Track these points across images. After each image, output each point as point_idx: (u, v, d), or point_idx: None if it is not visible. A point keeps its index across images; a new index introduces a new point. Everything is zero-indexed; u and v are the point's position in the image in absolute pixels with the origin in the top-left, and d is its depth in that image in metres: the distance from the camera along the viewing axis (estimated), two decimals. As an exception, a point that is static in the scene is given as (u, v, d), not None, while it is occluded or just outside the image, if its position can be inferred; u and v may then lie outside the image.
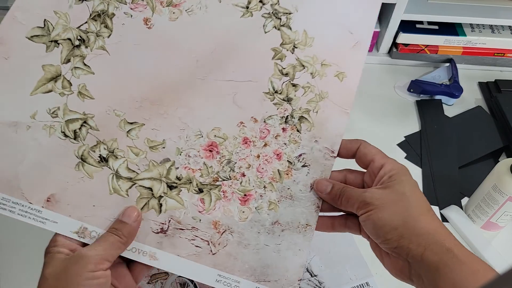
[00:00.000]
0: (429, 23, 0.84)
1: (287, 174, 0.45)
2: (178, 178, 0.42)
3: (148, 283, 0.56)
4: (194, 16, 0.45)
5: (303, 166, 0.45)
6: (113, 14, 0.43)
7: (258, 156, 0.45)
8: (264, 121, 0.45)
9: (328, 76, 0.47)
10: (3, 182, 0.39)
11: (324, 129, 0.46)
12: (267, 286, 0.42)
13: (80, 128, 0.40)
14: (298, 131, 0.46)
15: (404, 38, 0.83)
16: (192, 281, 0.54)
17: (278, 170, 0.45)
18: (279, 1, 0.47)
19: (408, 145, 0.74)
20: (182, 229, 0.42)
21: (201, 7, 0.46)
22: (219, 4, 0.46)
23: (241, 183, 0.44)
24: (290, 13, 0.47)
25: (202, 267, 0.42)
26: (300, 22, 0.47)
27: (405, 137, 0.75)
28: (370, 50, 0.85)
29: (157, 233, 0.41)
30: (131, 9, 0.44)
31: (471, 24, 0.85)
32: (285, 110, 0.46)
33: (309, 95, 0.46)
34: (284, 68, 0.46)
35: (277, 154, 0.45)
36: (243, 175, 0.44)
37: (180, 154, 0.43)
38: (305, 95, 0.46)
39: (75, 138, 0.40)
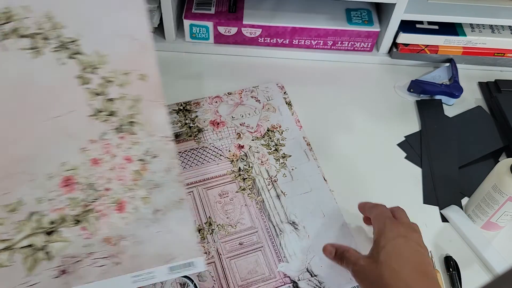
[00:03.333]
0: (429, 23, 0.83)
1: (143, 170, 0.48)
2: (52, 222, 0.45)
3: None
4: None
5: (153, 157, 0.49)
6: None
7: (113, 168, 0.47)
8: (102, 138, 0.48)
9: (134, 82, 0.51)
10: None
11: (153, 123, 0.50)
12: (178, 261, 0.46)
13: None
14: (134, 133, 0.49)
15: (404, 38, 0.81)
16: (192, 281, 0.54)
17: (134, 170, 0.47)
18: (63, 33, 0.49)
19: (408, 145, 0.72)
20: (80, 260, 0.45)
21: None
22: (6, 54, 0.47)
23: (108, 196, 0.46)
24: (76, 40, 0.49)
25: (115, 279, 0.45)
26: (90, 45, 0.50)
27: (405, 137, 0.73)
28: (370, 50, 0.82)
29: (58, 276, 0.44)
30: None
31: (471, 24, 0.83)
32: (114, 123, 0.49)
33: (127, 103, 0.50)
34: (95, 89, 0.49)
35: (127, 159, 0.48)
36: (107, 189, 0.46)
37: (42, 202, 0.45)
38: (124, 105, 0.49)
39: None
